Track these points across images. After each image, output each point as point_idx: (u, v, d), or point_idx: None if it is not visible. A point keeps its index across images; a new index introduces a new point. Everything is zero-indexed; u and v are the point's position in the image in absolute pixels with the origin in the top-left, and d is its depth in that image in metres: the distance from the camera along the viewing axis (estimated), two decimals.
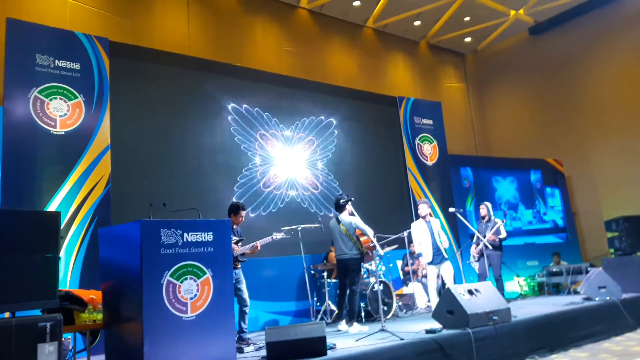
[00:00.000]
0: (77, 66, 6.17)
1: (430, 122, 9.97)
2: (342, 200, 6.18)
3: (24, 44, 5.84)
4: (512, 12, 12.43)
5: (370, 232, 5.91)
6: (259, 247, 5.39)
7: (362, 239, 6.07)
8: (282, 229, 6.11)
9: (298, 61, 10.60)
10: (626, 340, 6.00)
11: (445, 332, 5.01)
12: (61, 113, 5.93)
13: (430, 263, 6.64)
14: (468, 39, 13.56)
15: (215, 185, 7.23)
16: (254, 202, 7.54)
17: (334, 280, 7.06)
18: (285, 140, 8.19)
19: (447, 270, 6.56)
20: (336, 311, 6.71)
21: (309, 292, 6.82)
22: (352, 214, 6.13)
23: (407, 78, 12.76)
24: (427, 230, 6.69)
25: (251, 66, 8.95)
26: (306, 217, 7.74)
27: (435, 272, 6.63)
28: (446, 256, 6.57)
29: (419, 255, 6.77)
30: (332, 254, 7.37)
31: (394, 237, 7.31)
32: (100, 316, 3.81)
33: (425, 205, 6.81)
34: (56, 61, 6.04)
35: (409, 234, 7.08)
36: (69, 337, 4.08)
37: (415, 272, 8.10)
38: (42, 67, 5.91)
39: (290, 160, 8.15)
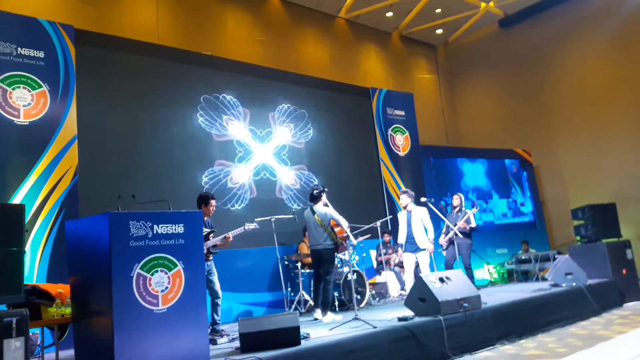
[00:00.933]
0: (41, 54, 5.97)
1: (402, 113, 10.04)
2: (316, 191, 6.18)
3: None
4: (483, 5, 12.58)
5: (344, 222, 5.93)
6: (230, 238, 5.35)
7: (337, 229, 6.09)
8: (255, 220, 6.07)
9: (270, 51, 10.52)
10: (591, 324, 6.21)
11: (417, 319, 5.09)
12: (25, 103, 5.74)
13: (404, 251, 6.72)
14: (439, 31, 13.68)
15: (185, 177, 7.13)
16: (226, 195, 7.48)
17: (307, 271, 7.07)
18: (257, 131, 8.13)
19: (422, 259, 6.61)
20: (310, 301, 6.74)
21: (282, 283, 6.82)
22: (326, 205, 6.14)
23: (379, 69, 12.81)
24: (404, 220, 6.77)
25: (222, 55, 8.83)
26: (279, 209, 7.73)
27: (411, 259, 6.68)
28: (422, 246, 6.57)
29: (400, 244, 6.84)
30: (303, 245, 7.41)
31: (367, 227, 7.36)
32: (68, 310, 3.73)
33: (405, 195, 6.85)
34: (19, 49, 5.83)
35: (382, 223, 7.17)
36: (37, 332, 3.98)
37: (388, 261, 8.19)
38: (3, 55, 5.70)
39: (262, 151, 8.09)
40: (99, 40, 6.82)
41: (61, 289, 3.76)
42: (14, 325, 2.89)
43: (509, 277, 9.73)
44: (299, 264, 6.93)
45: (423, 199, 7.06)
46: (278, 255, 6.96)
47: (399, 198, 7.07)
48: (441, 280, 5.52)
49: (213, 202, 5.50)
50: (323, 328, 5.10)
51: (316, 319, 5.89)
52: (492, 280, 9.94)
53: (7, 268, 3.13)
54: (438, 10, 12.55)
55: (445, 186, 10.59)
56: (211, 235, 5.30)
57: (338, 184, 8.54)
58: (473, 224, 7.37)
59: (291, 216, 7.06)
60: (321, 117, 8.99)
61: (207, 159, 7.44)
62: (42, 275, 5.36)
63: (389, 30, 13.27)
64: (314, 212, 6.08)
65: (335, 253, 6.20)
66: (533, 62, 12.70)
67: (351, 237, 5.73)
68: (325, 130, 8.96)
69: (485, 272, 10.08)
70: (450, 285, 5.49)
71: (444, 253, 7.50)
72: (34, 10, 7.22)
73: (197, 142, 7.38)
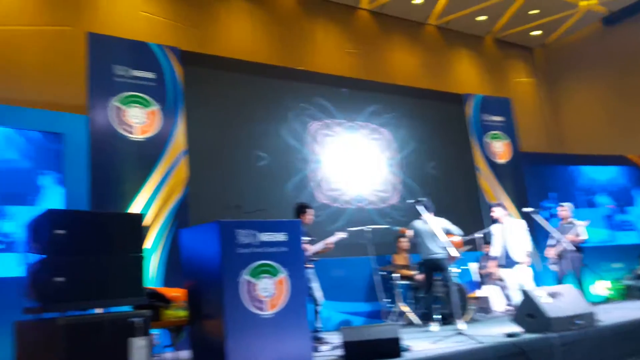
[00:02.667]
0: (152, 75, 6.45)
1: (500, 119, 9.64)
2: (422, 202, 6.18)
3: (103, 55, 6.18)
4: (583, 3, 11.79)
5: (459, 232, 6.10)
6: (332, 246, 5.41)
7: (451, 239, 6.03)
8: (348, 229, 6.11)
9: (359, 62, 10.56)
10: None
11: (526, 336, 4.81)
12: (138, 120, 6.22)
13: (501, 265, 6.47)
14: (536, 33, 13.00)
15: (283, 186, 7.32)
16: (319, 203, 7.58)
17: (405, 282, 6.97)
18: (350, 141, 8.17)
19: (522, 273, 6.31)
20: (408, 313, 6.64)
21: (379, 294, 6.76)
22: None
23: (472, 75, 12.40)
24: (499, 233, 6.55)
25: (313, 69, 9.00)
26: (370, 219, 7.71)
27: (511, 275, 6.40)
28: (520, 260, 6.30)
29: (494, 257, 6.62)
30: (397, 256, 7.32)
31: (467, 238, 7.11)
32: (183, 313, 3.94)
33: (499, 208, 6.64)
34: (132, 71, 6.34)
35: (484, 234, 6.93)
36: (157, 332, 4.24)
37: (490, 274, 7.83)
38: (119, 77, 6.23)
39: (355, 161, 8.12)
40: (201, 60, 7.26)
41: (176, 293, 3.98)
42: (138, 325, 3.08)
43: (627, 293, 8.92)
44: (396, 275, 6.84)
45: (527, 210, 6.71)
46: (373, 265, 6.91)
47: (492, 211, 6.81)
48: (551, 295, 5.18)
49: (310, 211, 5.61)
50: (425, 341, 4.97)
51: (430, 331, 5.78)
52: (609, 296, 9.17)
53: (130, 272, 3.33)
54: (534, 12, 11.95)
55: (550, 195, 9.94)
56: (311, 242, 5.38)
57: (432, 193, 8.32)
58: (584, 236, 6.86)
59: (387, 226, 7.01)
60: (412, 125, 8.86)
61: (301, 168, 7.59)
62: (158, 280, 5.75)
63: (482, 34, 12.84)
64: (427, 222, 6.01)
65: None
66: None
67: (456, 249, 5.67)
68: (417, 139, 8.82)
69: (600, 287, 9.32)
70: (561, 301, 5.14)
71: (553, 267, 7.05)
72: (144, 35, 7.80)
73: (292, 153, 7.57)
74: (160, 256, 5.89)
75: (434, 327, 5.88)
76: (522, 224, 6.55)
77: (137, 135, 6.16)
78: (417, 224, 6.21)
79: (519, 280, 6.33)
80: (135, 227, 3.50)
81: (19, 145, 5.60)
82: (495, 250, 6.59)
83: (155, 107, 6.37)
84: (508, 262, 6.40)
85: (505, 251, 6.42)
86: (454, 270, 6.63)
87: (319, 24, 10.38)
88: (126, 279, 3.30)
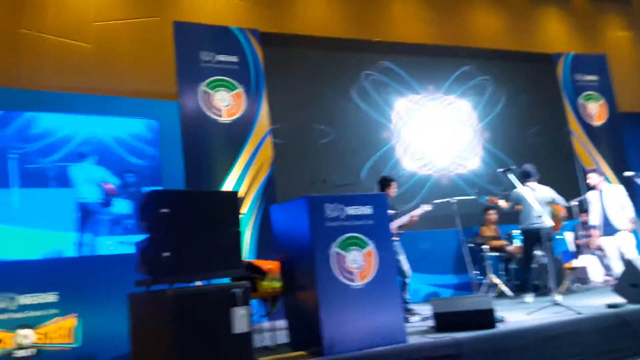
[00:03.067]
0: (235, 59, 6.68)
1: (595, 78, 8.99)
2: (530, 170, 6.02)
3: (189, 43, 6.47)
4: None
5: (564, 202, 5.98)
6: (416, 218, 5.40)
7: (555, 208, 5.84)
8: (434, 201, 6.03)
9: (440, 28, 10.19)
10: None
11: (630, 306, 4.56)
12: (225, 103, 6.49)
13: (603, 234, 6.15)
14: None
15: (367, 160, 7.35)
16: (404, 173, 7.54)
17: (495, 254, 6.81)
18: (433, 110, 8.01)
19: (625, 240, 5.97)
20: (500, 285, 6.51)
21: (468, 266, 6.66)
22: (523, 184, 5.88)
23: (561, 33, 11.56)
24: (597, 200, 6.21)
25: (391, 39, 8.83)
26: (456, 190, 7.57)
27: (611, 242, 6.06)
28: (623, 227, 5.97)
29: (593, 226, 6.27)
30: (485, 228, 7.14)
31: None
32: (277, 284, 4.13)
33: (594, 174, 6.30)
34: (217, 56, 6.59)
35: (580, 202, 6.59)
36: (252, 303, 4.48)
37: (587, 244, 7.43)
38: (206, 63, 6.51)
39: (440, 130, 7.96)
40: (279, 40, 7.35)
41: (271, 265, 4.18)
42: (239, 296, 3.28)
43: None
44: (486, 247, 6.70)
45: (628, 174, 6.27)
46: (462, 238, 6.80)
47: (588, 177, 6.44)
48: None
49: (394, 184, 5.61)
50: (519, 312, 4.86)
51: (526, 302, 5.66)
52: None
53: (229, 246, 3.51)
54: None
55: None
56: (396, 216, 5.39)
57: (522, 160, 7.97)
58: None
59: (474, 197, 6.84)
60: (499, 89, 8.50)
61: (382, 142, 7.57)
62: (251, 253, 6.06)
63: None
64: (533, 190, 5.81)
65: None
66: None
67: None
68: (505, 104, 8.46)
69: None
70: None
71: None
72: (224, 19, 8.03)
73: (372, 127, 7.55)
74: (252, 231, 6.19)
75: (529, 298, 5.74)
76: (621, 189, 6.19)
77: (225, 118, 6.44)
78: (521, 191, 5.76)
79: (621, 248, 6.00)
80: (231, 203, 3.67)
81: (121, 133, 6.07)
82: (594, 218, 6.26)
83: (240, 90, 6.60)
84: (608, 229, 6.09)
85: (605, 218, 6.11)
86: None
87: None
88: (225, 252, 3.48)
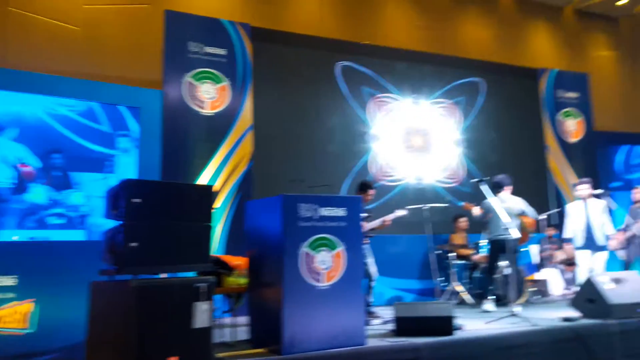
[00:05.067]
0: (223, 52, 6.70)
1: (576, 95, 9.19)
2: (501, 180, 6.13)
3: (179, 33, 6.48)
4: None
5: (535, 214, 5.97)
6: (389, 223, 5.51)
7: (525, 220, 5.94)
8: (408, 207, 6.15)
9: (430, 35, 10.30)
10: None
11: (584, 321, 4.74)
12: (209, 96, 6.52)
13: (580, 247, 6.18)
14: (622, 1, 12.08)
15: (347, 164, 7.44)
16: (381, 180, 7.65)
17: (461, 262, 6.98)
18: (416, 117, 8.12)
19: (600, 259, 6.06)
20: (462, 293, 6.66)
21: (433, 272, 6.81)
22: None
23: (548, 48, 11.76)
24: (581, 212, 6.21)
25: (382, 43, 8.92)
26: (430, 197, 7.72)
27: (586, 258, 6.14)
28: (602, 244, 6.06)
29: (569, 239, 6.36)
30: (456, 236, 7.31)
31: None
32: (243, 280, 4.20)
33: (587, 185, 6.29)
34: (205, 48, 6.61)
35: (548, 216, 6.75)
36: (216, 298, 4.53)
37: (551, 257, 7.64)
38: (193, 54, 6.52)
39: (420, 138, 8.08)
40: (270, 36, 7.36)
41: (239, 261, 4.25)
42: (203, 290, 3.32)
43: None
44: (453, 255, 6.85)
45: (597, 191, 6.44)
46: (430, 244, 6.94)
47: (573, 188, 6.56)
48: (614, 281, 5.04)
49: (372, 191, 5.71)
50: (478, 321, 5.02)
51: (485, 311, 5.79)
52: None
53: (198, 240, 3.54)
54: None
55: (626, 177, 9.41)
56: (368, 219, 5.50)
57: (498, 171, 8.14)
58: None
59: (446, 204, 6.99)
60: (483, 101, 8.63)
61: (364, 146, 7.66)
62: (221, 248, 6.11)
63: (562, 5, 12.10)
64: (502, 201, 5.92)
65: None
66: None
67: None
68: (485, 115, 8.60)
69: None
70: (625, 288, 5.00)
71: (619, 253, 6.77)
72: (216, 11, 8.04)
73: (355, 130, 7.63)
74: (223, 225, 6.24)
75: (489, 306, 5.86)
76: (604, 203, 6.21)
77: (208, 110, 6.48)
78: (491, 201, 5.91)
79: (594, 264, 6.06)
80: (205, 197, 3.68)
81: (99, 116, 5.91)
82: (569, 231, 6.25)
83: (225, 83, 6.64)
84: (589, 243, 6.09)
85: (588, 232, 6.12)
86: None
87: None
88: (194, 246, 3.51)
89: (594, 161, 8.95)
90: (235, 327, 4.23)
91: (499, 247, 5.91)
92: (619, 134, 10.31)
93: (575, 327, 4.57)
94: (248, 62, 6.83)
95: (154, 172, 5.89)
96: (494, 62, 9.38)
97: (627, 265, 6.63)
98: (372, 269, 5.46)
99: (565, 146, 8.88)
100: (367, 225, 5.43)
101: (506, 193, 6.04)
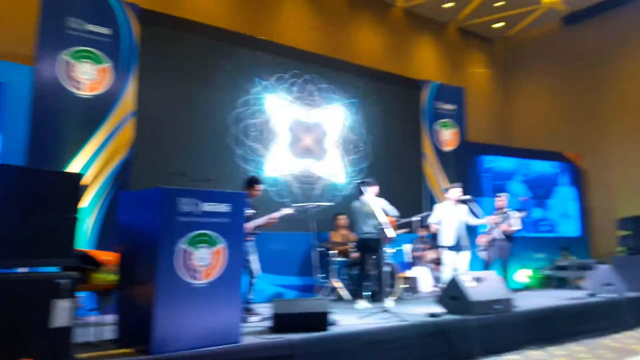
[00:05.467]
0: (107, 31, 6.27)
1: (453, 107, 9.90)
2: (366, 183, 6.40)
3: (57, 6, 5.94)
4: (546, 0, 12.14)
5: (395, 214, 6.28)
6: (274, 220, 5.53)
7: (388, 219, 6.26)
8: (294, 205, 6.22)
9: (324, 37, 10.54)
10: (625, 338, 6.05)
11: (447, 317, 5.12)
12: (88, 77, 6.06)
13: (450, 248, 6.72)
14: (498, 25, 13.31)
15: (234, 158, 7.33)
16: (268, 177, 7.65)
17: (341, 259, 7.21)
18: (304, 116, 8.23)
19: (465, 259, 6.69)
20: (339, 289, 6.89)
21: (314, 269, 6.96)
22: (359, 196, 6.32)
23: (432, 61, 12.62)
24: (455, 214, 6.78)
25: (276, 40, 8.93)
26: (316, 196, 7.91)
27: (452, 258, 6.70)
28: (465, 246, 6.69)
29: (430, 236, 6.91)
30: (335, 233, 7.55)
31: (406, 220, 7.39)
32: (113, 277, 3.96)
33: (458, 189, 6.93)
34: (87, 25, 6.13)
35: (422, 217, 7.24)
36: (82, 295, 4.23)
37: (421, 257, 8.18)
38: (72, 30, 6.02)
39: (306, 138, 8.20)
40: (161, 19, 7.04)
41: (108, 257, 3.99)
42: (63, 287, 3.07)
43: (546, 283, 9.52)
44: (334, 252, 7.05)
45: (465, 197, 7.01)
46: (313, 242, 7.09)
47: (444, 192, 7.11)
48: (475, 280, 5.51)
49: (260, 186, 5.68)
50: (352, 316, 5.21)
51: (356, 309, 5.98)
52: (528, 284, 9.77)
53: (61, 233, 3.26)
54: (499, 4, 12.22)
55: (492, 186, 10.37)
56: (254, 216, 5.47)
57: (379, 176, 8.52)
58: (517, 227, 7.25)
59: (331, 203, 7.18)
60: (369, 107, 8.97)
61: (257, 141, 7.61)
62: (91, 242, 5.70)
63: (446, 21, 13.02)
64: (363, 203, 6.19)
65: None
66: (594, 62, 12.18)
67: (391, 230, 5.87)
68: (371, 121, 8.96)
69: (521, 276, 9.91)
70: (484, 286, 5.48)
71: (482, 254, 7.43)
72: None
73: (247, 125, 7.56)
74: (95, 218, 5.84)
75: (363, 303, 6.10)
76: (466, 209, 6.85)
77: (85, 92, 6.02)
78: (355, 203, 6.40)
79: (457, 264, 6.65)
80: (72, 187, 3.40)
81: None
82: (445, 230, 6.76)
83: (107, 65, 6.21)
84: (455, 245, 6.68)
85: (456, 235, 6.69)
86: (388, 250, 6.93)
87: None
88: (56, 239, 3.23)
89: (465, 169, 9.72)
90: (102, 326, 3.99)
91: (364, 246, 6.32)
92: (489, 145, 11.35)
93: (439, 323, 4.92)
94: (134, 45, 6.45)
95: (18, 157, 5.36)
96: (381, 70, 9.80)
97: (487, 266, 7.28)
98: (255, 266, 5.44)
99: (440, 154, 9.55)
100: (253, 223, 5.40)
101: (370, 195, 6.35)
